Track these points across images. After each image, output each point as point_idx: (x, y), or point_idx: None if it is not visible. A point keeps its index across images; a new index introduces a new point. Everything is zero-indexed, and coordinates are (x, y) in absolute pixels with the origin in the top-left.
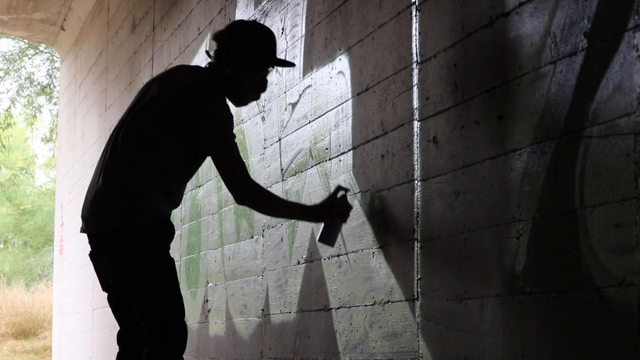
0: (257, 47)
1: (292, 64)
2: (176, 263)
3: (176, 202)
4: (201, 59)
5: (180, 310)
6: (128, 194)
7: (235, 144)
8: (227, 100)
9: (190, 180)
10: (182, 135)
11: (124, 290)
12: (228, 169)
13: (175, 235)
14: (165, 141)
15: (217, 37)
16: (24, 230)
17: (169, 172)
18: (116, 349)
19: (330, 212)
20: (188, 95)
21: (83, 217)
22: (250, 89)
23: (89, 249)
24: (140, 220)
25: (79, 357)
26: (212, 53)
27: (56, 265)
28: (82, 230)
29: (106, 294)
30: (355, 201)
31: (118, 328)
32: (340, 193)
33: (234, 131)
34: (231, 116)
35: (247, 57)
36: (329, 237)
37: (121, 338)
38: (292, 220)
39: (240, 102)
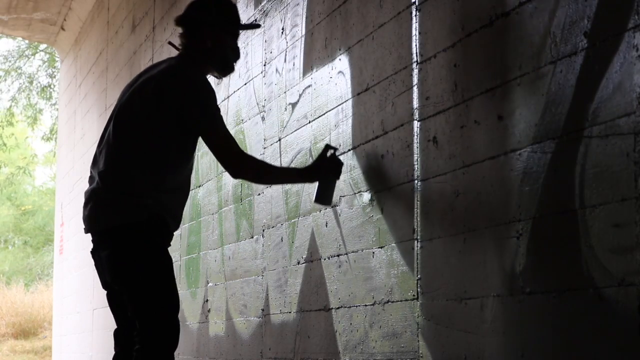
0: (228, 13)
1: (257, 26)
2: (176, 263)
3: (184, 193)
4: None
5: (173, 307)
6: (122, 191)
7: (221, 117)
8: (212, 74)
9: (191, 180)
10: (169, 121)
11: (119, 287)
12: (219, 144)
13: (175, 235)
14: (153, 131)
15: (181, 20)
16: (24, 229)
17: (163, 165)
18: None
19: (323, 170)
20: (169, 80)
21: (82, 216)
22: (232, 55)
23: (90, 247)
24: (135, 218)
25: (79, 357)
26: (177, 42)
27: (56, 265)
28: (85, 231)
29: (105, 292)
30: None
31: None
32: (330, 152)
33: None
34: (213, 91)
35: (223, 24)
36: (324, 196)
37: (118, 337)
38: (292, 220)
39: (228, 68)
